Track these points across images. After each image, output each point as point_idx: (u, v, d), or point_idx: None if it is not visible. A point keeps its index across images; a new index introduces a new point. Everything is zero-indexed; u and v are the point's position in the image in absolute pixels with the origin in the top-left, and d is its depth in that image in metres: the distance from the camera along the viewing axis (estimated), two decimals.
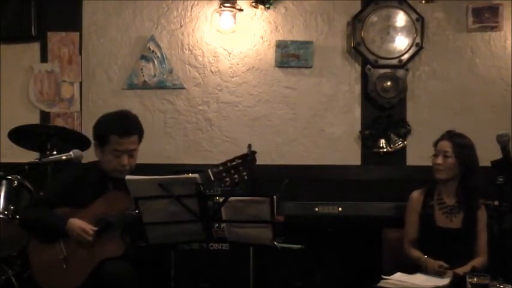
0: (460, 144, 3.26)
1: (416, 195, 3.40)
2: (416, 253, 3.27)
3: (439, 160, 3.27)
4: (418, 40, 4.32)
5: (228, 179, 2.80)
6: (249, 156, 2.82)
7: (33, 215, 3.09)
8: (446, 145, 3.27)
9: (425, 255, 3.22)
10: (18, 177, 3.76)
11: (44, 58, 4.45)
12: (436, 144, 3.34)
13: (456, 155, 3.23)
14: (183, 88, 4.44)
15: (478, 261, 3.16)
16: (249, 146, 2.88)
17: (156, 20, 4.45)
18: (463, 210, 3.26)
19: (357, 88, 4.44)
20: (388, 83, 4.34)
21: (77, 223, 2.94)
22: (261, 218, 2.65)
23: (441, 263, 3.09)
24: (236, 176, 2.79)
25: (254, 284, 3.70)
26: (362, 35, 4.32)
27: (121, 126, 3.05)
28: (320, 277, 4.07)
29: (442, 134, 3.35)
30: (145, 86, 4.43)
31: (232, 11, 4.30)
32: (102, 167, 3.11)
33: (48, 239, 3.00)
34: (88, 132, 3.56)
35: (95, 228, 2.94)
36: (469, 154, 3.26)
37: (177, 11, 4.46)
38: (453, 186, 3.29)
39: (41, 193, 3.60)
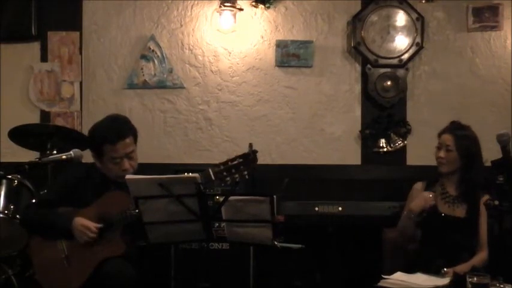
0: (462, 137, 3.27)
1: (419, 185, 3.42)
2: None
3: (442, 153, 3.29)
4: (418, 40, 4.31)
5: (228, 178, 2.79)
6: (250, 156, 2.81)
7: (36, 214, 3.08)
8: (448, 139, 3.28)
9: (427, 243, 3.24)
10: (19, 176, 3.76)
11: (44, 58, 4.44)
12: (439, 136, 3.34)
13: (457, 148, 3.25)
14: (183, 88, 4.44)
15: (479, 256, 3.16)
16: (250, 145, 2.88)
17: (156, 19, 4.45)
18: (466, 201, 3.26)
19: (357, 88, 4.44)
20: (388, 83, 4.34)
21: (81, 221, 2.93)
22: (261, 218, 2.65)
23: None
24: (237, 175, 2.79)
25: (254, 284, 3.71)
26: (362, 34, 4.32)
27: (112, 133, 3.01)
28: (320, 277, 4.07)
29: (446, 126, 3.35)
30: (145, 85, 4.43)
31: (232, 11, 4.30)
32: (105, 173, 3.08)
33: (52, 237, 2.99)
34: None
35: (99, 225, 2.92)
36: (470, 146, 3.27)
37: (177, 10, 4.46)
38: (456, 178, 3.30)
39: (42, 193, 3.60)
